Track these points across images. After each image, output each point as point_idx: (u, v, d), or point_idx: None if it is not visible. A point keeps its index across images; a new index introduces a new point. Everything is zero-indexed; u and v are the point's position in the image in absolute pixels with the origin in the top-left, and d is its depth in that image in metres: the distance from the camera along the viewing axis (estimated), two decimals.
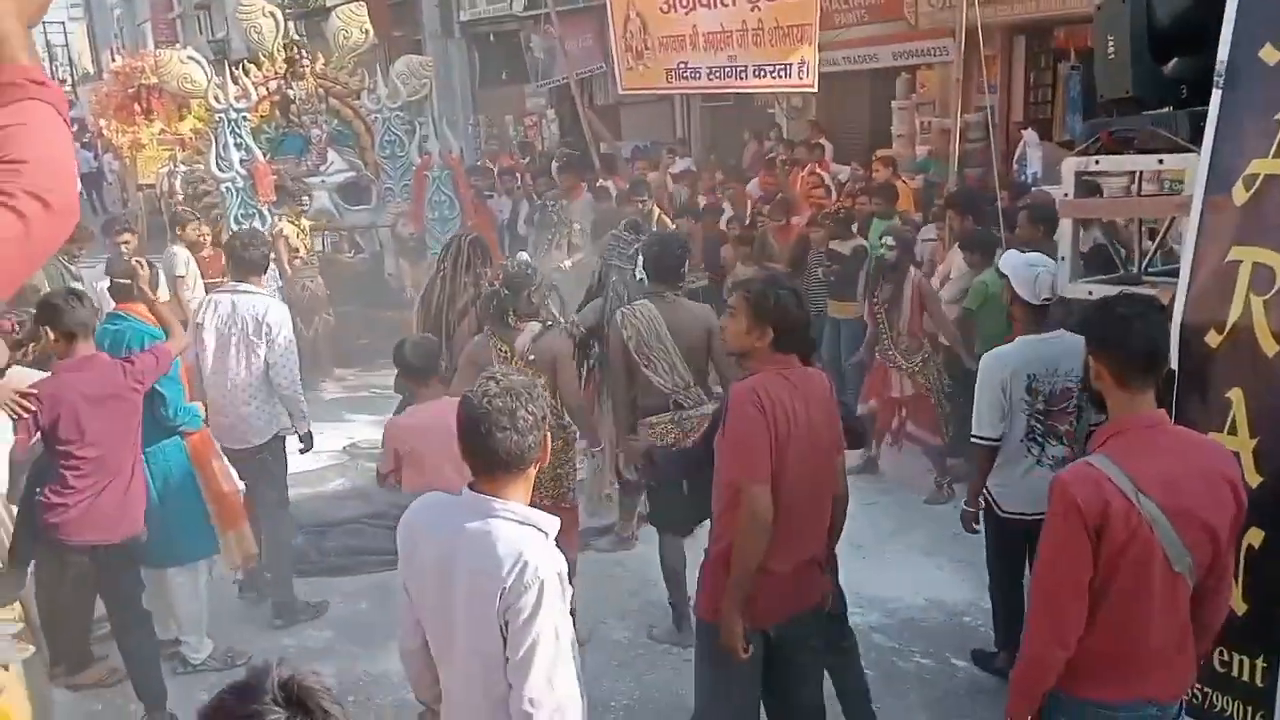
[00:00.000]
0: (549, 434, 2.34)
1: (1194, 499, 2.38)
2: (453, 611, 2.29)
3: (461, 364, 4.74)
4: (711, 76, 9.52)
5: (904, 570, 5.41)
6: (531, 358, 4.59)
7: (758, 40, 8.82)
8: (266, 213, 9.28)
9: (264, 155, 9.47)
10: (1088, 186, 3.86)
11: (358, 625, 4.52)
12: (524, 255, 5.17)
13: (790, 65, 8.61)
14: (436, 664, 2.43)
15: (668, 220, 9.13)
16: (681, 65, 9.75)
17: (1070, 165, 3.55)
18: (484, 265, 5.76)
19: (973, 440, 4.11)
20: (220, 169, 9.26)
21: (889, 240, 6.29)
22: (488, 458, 2.25)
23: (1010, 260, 4.07)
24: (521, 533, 2.24)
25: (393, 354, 4.48)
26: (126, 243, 7.18)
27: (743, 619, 3.05)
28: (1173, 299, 3.18)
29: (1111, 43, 3.31)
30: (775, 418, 2.97)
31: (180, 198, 11.50)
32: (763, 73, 8.93)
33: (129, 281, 4.62)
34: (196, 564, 4.77)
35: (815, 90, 9.13)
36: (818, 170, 10.12)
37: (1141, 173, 3.65)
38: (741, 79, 9.19)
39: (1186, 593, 2.45)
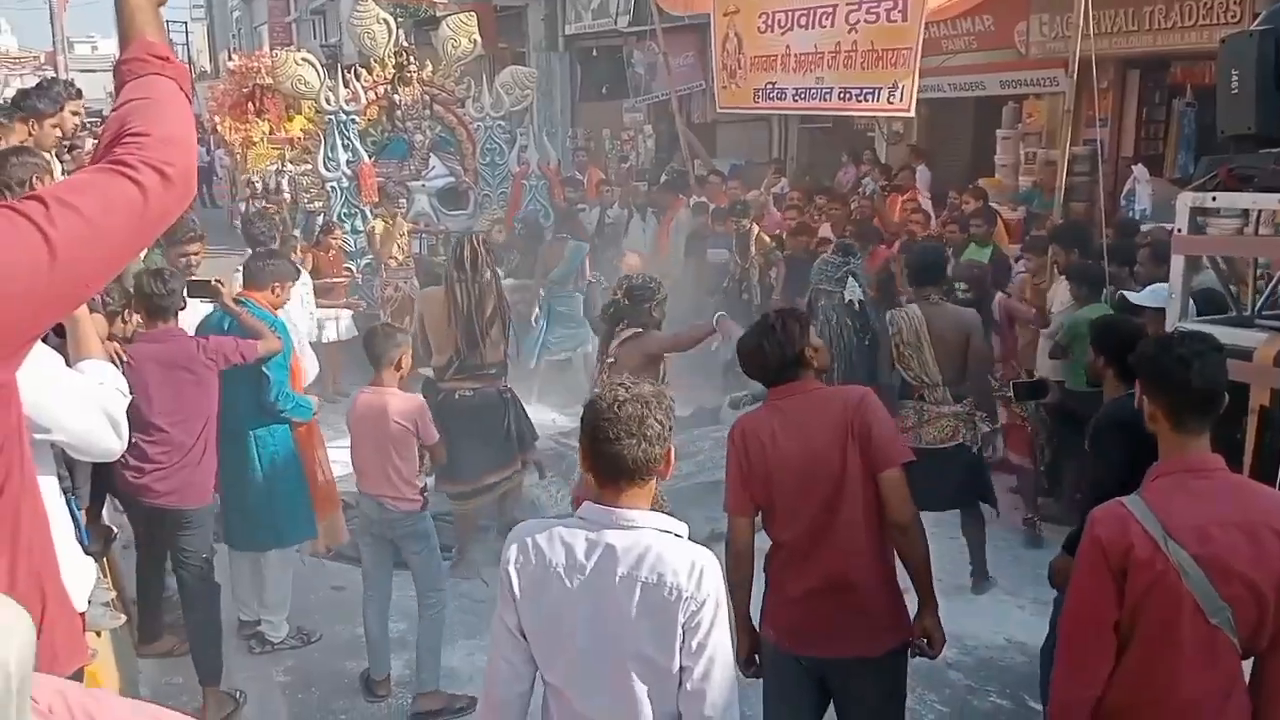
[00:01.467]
0: (673, 447, 2.29)
1: (1232, 550, 2.27)
2: (611, 634, 2.18)
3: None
4: (797, 98, 9.45)
5: (985, 608, 5.29)
6: (611, 360, 4.68)
7: (849, 63, 8.70)
8: (368, 213, 9.55)
9: (369, 158, 9.74)
10: (1198, 225, 3.75)
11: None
12: (643, 272, 5.33)
13: (881, 89, 8.46)
14: (567, 698, 2.27)
15: (766, 239, 9.11)
16: (769, 85, 9.71)
17: (1186, 200, 3.44)
18: (495, 264, 6.00)
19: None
20: (327, 169, 9.56)
21: (962, 286, 6.22)
22: (614, 465, 2.19)
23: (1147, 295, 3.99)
24: (670, 540, 2.21)
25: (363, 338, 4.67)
26: (195, 253, 5.86)
27: (771, 638, 3.17)
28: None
29: (1236, 77, 3.20)
30: (748, 449, 3.07)
31: (287, 197, 11.86)
32: (849, 96, 8.80)
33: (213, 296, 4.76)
34: (293, 547, 5.01)
35: (912, 115, 9.00)
36: (916, 197, 9.98)
37: (1260, 213, 3.53)
38: (826, 100, 9.10)
39: (1229, 648, 2.33)
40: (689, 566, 2.14)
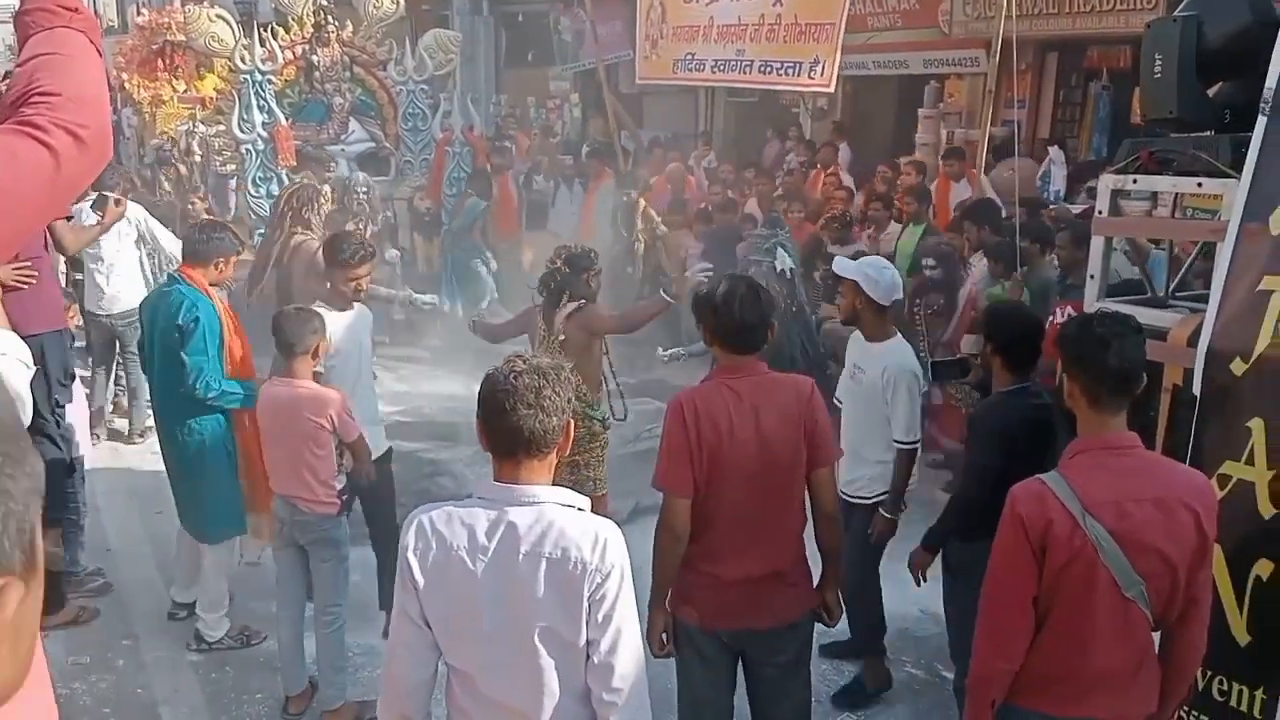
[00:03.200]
0: (573, 421, 2.25)
1: (1147, 526, 2.35)
2: (520, 611, 2.14)
3: (512, 332, 5.00)
4: (716, 69, 9.28)
5: (899, 581, 5.38)
6: (562, 338, 4.62)
7: (771, 36, 8.56)
8: (284, 176, 9.26)
9: (285, 120, 9.43)
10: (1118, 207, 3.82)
11: (352, 598, 4.48)
12: (582, 245, 5.14)
13: (803, 64, 8.38)
14: (473, 681, 2.22)
15: (654, 215, 9.06)
16: (689, 56, 9.56)
17: (1107, 182, 3.51)
18: (314, 214, 6.05)
19: (904, 448, 4.05)
20: (242, 130, 9.23)
21: (929, 261, 6.29)
22: (511, 438, 2.14)
23: (851, 264, 4.13)
24: (571, 514, 2.17)
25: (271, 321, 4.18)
26: (364, 275, 5.20)
27: (692, 618, 3.13)
28: (1197, 327, 3.15)
29: (1159, 62, 3.26)
30: (701, 431, 2.97)
31: (197, 158, 11.46)
32: (770, 69, 8.61)
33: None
34: (229, 543, 4.70)
35: (831, 91, 9.01)
36: (838, 173, 10.07)
37: (1176, 195, 3.62)
38: (746, 74, 8.97)
39: (1142, 620, 2.42)
40: (593, 539, 2.12)
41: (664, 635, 3.16)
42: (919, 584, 3.88)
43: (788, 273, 5.73)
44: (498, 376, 2.17)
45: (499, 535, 2.13)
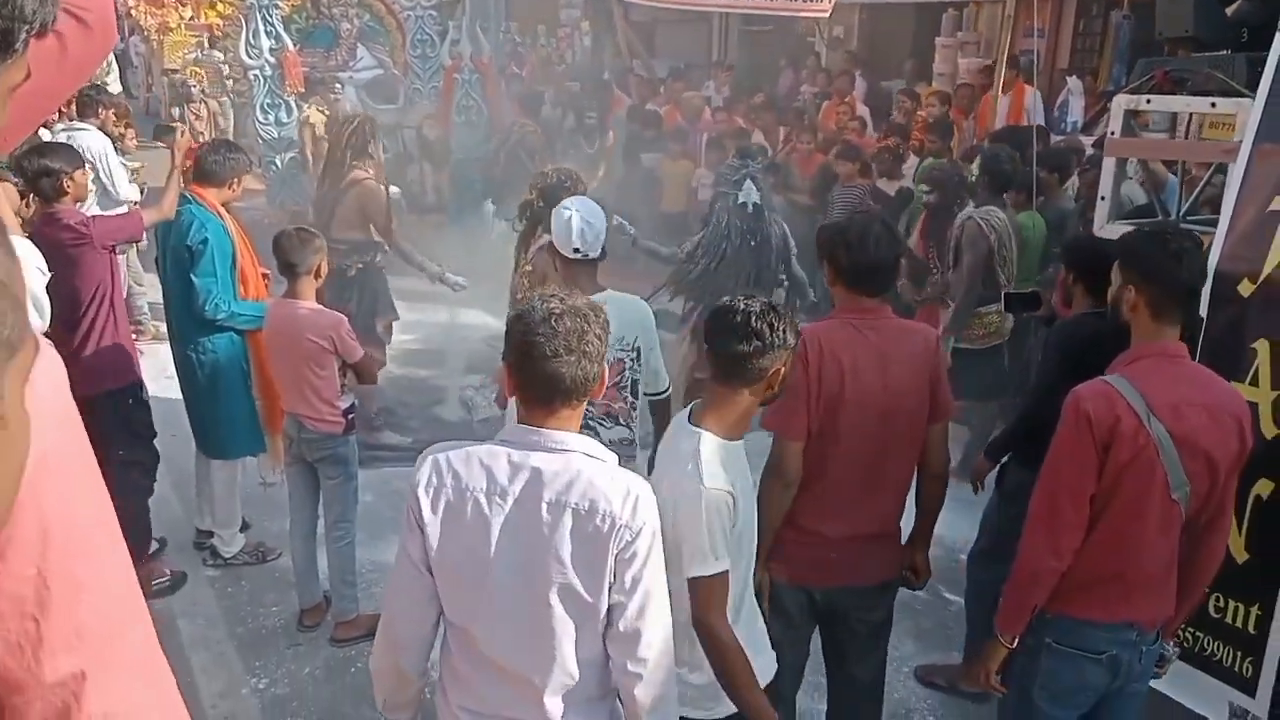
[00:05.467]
0: (606, 365, 2.08)
1: (1201, 429, 2.41)
2: (536, 564, 1.96)
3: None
4: None
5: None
6: (529, 268, 4.46)
7: None
8: (293, 103, 9.20)
9: (293, 46, 9.35)
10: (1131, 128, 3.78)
11: (364, 517, 4.58)
12: (568, 166, 4.96)
13: None
14: (474, 636, 2.06)
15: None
16: None
17: (1120, 102, 3.46)
18: (375, 144, 6.10)
19: None
20: (249, 56, 9.16)
21: (924, 187, 6.23)
22: (549, 385, 1.96)
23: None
24: (601, 466, 2.00)
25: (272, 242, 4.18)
26: None
27: (783, 574, 2.95)
28: (1206, 248, 3.14)
29: None
30: (824, 372, 2.76)
31: (206, 86, 11.37)
32: None
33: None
34: (237, 461, 4.78)
35: (828, 15, 8.84)
36: (853, 104, 9.94)
37: (1190, 117, 3.57)
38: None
39: (1179, 522, 2.49)
40: (624, 493, 1.94)
41: (760, 593, 2.89)
42: (975, 492, 3.88)
43: (750, 206, 5.55)
44: (533, 318, 1.97)
45: (522, 480, 1.97)
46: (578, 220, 3.40)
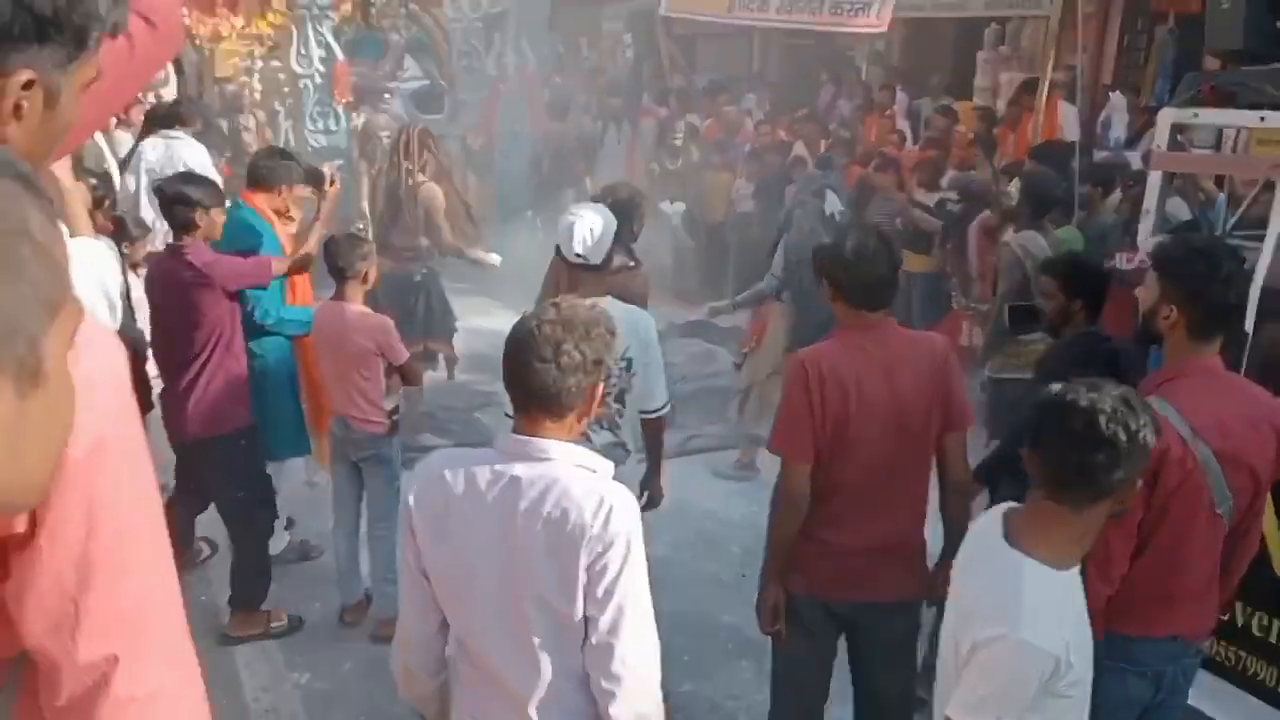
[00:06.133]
0: (601, 384, 2.06)
1: (1243, 443, 2.41)
2: (518, 573, 1.96)
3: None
4: (781, 9, 9.17)
5: None
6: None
7: None
8: (341, 112, 9.37)
9: (343, 56, 9.52)
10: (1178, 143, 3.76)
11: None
12: (633, 185, 4.97)
13: (871, 4, 8.33)
14: (470, 643, 2.08)
15: None
16: None
17: (1167, 116, 3.45)
18: (431, 154, 6.32)
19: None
20: (299, 65, 9.35)
21: (951, 195, 6.24)
22: (522, 389, 1.99)
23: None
24: (585, 476, 1.98)
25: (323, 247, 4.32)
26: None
27: (801, 587, 2.95)
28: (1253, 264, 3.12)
29: None
30: (825, 394, 2.75)
31: (258, 95, 11.55)
32: (840, 9, 8.58)
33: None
34: (284, 461, 4.82)
35: (885, 31, 8.86)
36: (894, 117, 9.93)
37: (1238, 131, 3.56)
38: (816, 14, 8.84)
39: (1223, 534, 2.49)
40: (596, 503, 1.91)
41: (774, 610, 2.97)
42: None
43: (835, 215, 5.66)
44: (522, 323, 2.02)
45: (499, 487, 1.97)
46: (581, 226, 3.39)
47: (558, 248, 3.52)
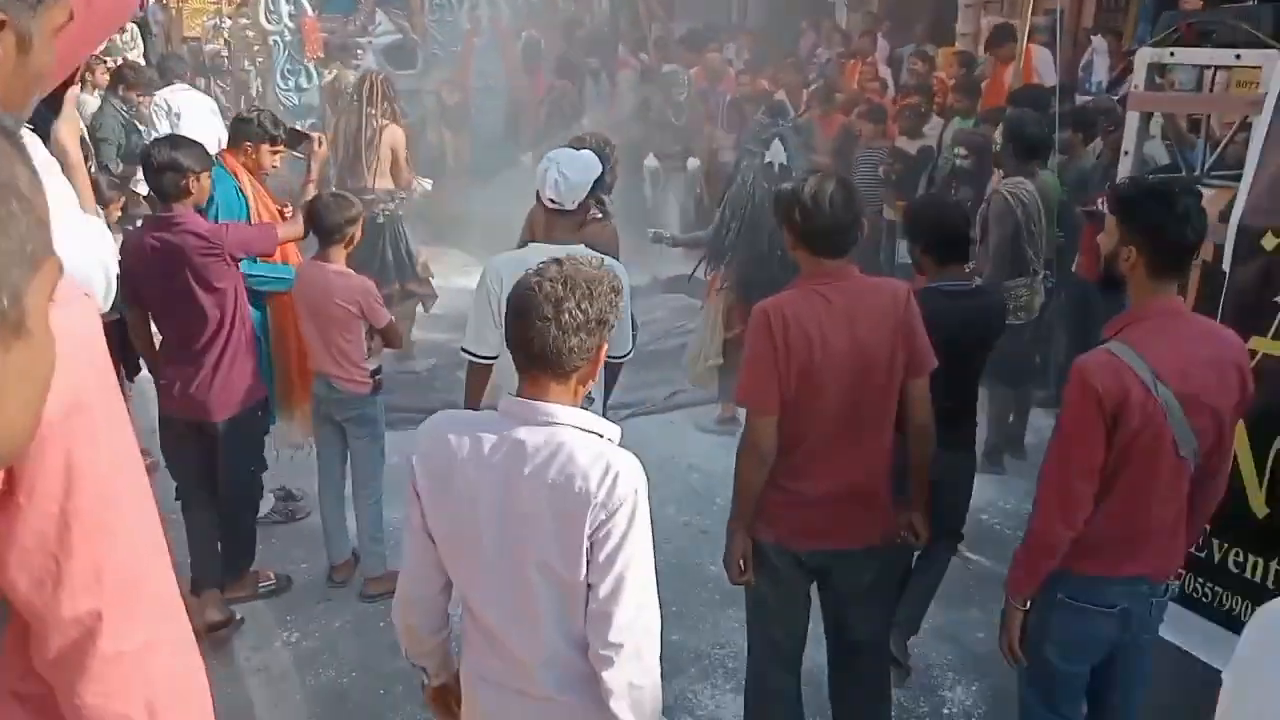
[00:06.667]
0: (605, 344, 2.01)
1: (1205, 385, 2.41)
2: (519, 537, 1.96)
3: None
4: None
5: None
6: None
7: None
8: (313, 69, 9.22)
9: (312, 11, 9.34)
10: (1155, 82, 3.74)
11: (390, 477, 4.65)
12: (604, 134, 4.90)
13: None
14: (472, 604, 2.08)
15: None
16: None
17: (1144, 56, 3.43)
18: (394, 101, 6.55)
19: (462, 352, 3.59)
20: (269, 22, 9.19)
21: (961, 151, 6.14)
22: (525, 349, 1.95)
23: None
24: (590, 440, 1.95)
25: (304, 207, 4.25)
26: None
27: (769, 536, 2.95)
28: (1230, 200, 3.12)
29: None
30: (790, 343, 2.73)
31: (225, 51, 11.38)
32: None
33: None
34: None
35: None
36: (875, 64, 9.85)
37: (1215, 71, 3.54)
38: None
39: (1188, 476, 2.50)
40: (602, 469, 1.88)
41: (742, 561, 2.97)
42: None
43: (776, 167, 5.49)
44: (524, 280, 1.97)
45: (504, 450, 1.95)
46: (554, 171, 3.43)
47: (538, 193, 3.54)
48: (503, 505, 1.95)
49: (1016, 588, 2.67)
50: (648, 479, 1.97)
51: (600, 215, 4.49)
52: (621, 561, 1.89)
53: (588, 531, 1.89)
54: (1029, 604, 2.66)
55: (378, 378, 4.26)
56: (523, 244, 4.67)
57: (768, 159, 5.46)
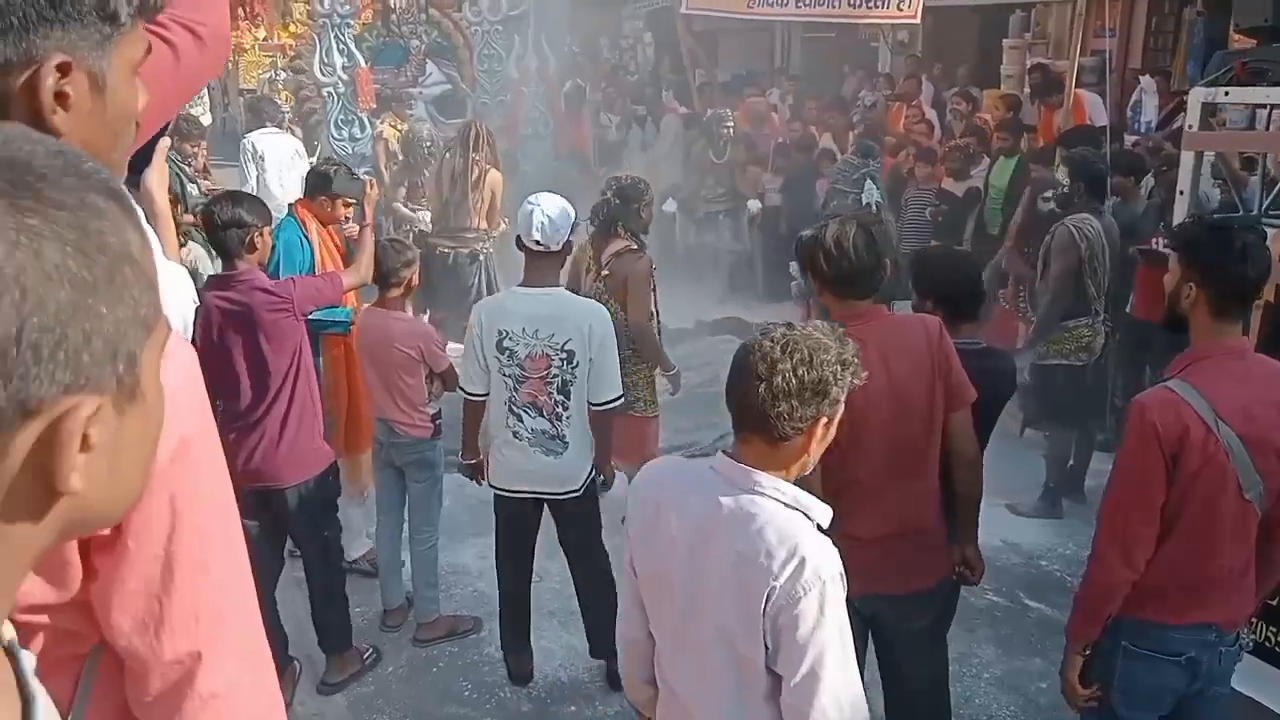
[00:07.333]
0: (823, 419, 1.94)
1: (1270, 426, 2.36)
2: (698, 600, 1.96)
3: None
4: (801, 4, 9.12)
5: (984, 511, 5.39)
6: (606, 273, 4.64)
7: None
8: (365, 120, 9.44)
9: (365, 63, 9.59)
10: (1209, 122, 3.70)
11: (443, 520, 4.67)
12: (640, 176, 5.04)
13: None
14: (660, 655, 2.10)
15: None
16: None
17: (1198, 96, 3.40)
18: (494, 148, 6.93)
19: (459, 390, 3.83)
20: (323, 74, 9.42)
21: (1047, 194, 5.98)
22: (739, 412, 1.93)
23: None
24: (790, 518, 1.90)
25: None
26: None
27: None
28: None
29: None
30: None
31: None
32: (859, 2, 8.56)
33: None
34: None
35: (918, 23, 8.82)
36: (921, 106, 9.87)
37: (1270, 109, 3.50)
38: (835, 7, 8.79)
39: (1255, 520, 2.44)
40: (789, 550, 1.83)
41: None
42: None
43: (874, 206, 5.58)
44: (746, 343, 1.96)
45: (703, 508, 1.95)
46: (539, 214, 3.50)
47: (518, 237, 3.63)
48: (693, 562, 1.96)
49: (1076, 632, 2.62)
50: None
51: (634, 247, 4.64)
52: (812, 655, 1.83)
53: (765, 608, 1.85)
54: (1091, 650, 2.60)
55: (438, 422, 4.29)
56: (568, 287, 4.77)
57: (864, 200, 5.50)
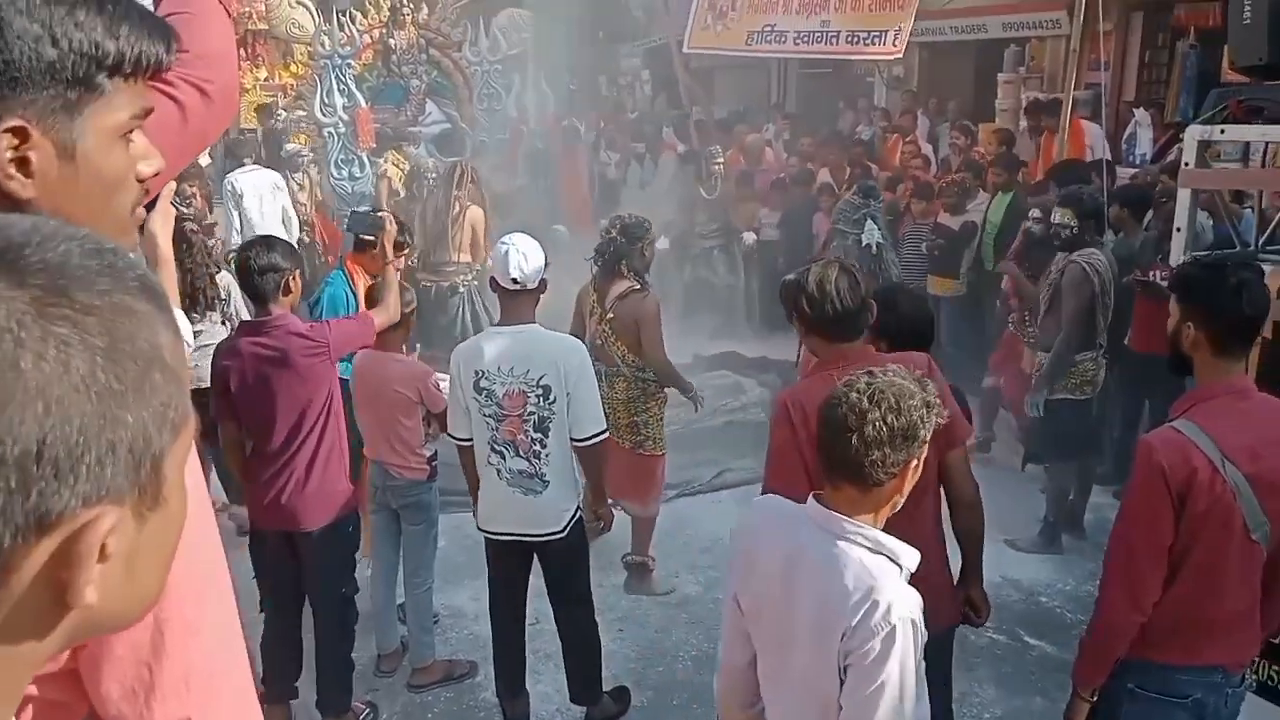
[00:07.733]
0: (913, 463, 1.98)
1: (1277, 467, 2.34)
2: (792, 634, 2.04)
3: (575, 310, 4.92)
4: (799, 41, 9.25)
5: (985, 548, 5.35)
6: (611, 315, 4.65)
7: (856, 5, 8.62)
8: (365, 159, 9.49)
9: (365, 103, 9.66)
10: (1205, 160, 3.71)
11: (438, 562, 4.63)
12: (640, 215, 5.03)
13: (886, 32, 8.40)
14: (764, 685, 2.18)
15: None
16: (767, 28, 9.51)
17: (1194, 133, 3.41)
18: (479, 186, 7.24)
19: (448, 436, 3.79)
20: (324, 114, 9.49)
21: (1036, 214, 5.96)
22: (828, 459, 1.99)
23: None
24: (874, 562, 1.95)
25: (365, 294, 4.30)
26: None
27: None
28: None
29: (1248, 7, 3.17)
30: (812, 432, 2.63)
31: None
32: (856, 39, 8.68)
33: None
34: None
35: (900, 57, 8.92)
36: (917, 141, 9.93)
37: (1266, 146, 3.51)
38: (833, 44, 8.92)
39: (1261, 561, 2.41)
40: (865, 593, 1.89)
41: None
42: None
43: (874, 247, 5.54)
44: (835, 390, 2.00)
45: (795, 550, 2.04)
46: (515, 254, 3.51)
47: (492, 278, 3.63)
48: (786, 602, 2.05)
49: (1084, 678, 2.58)
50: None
51: (639, 287, 4.67)
52: (868, 692, 1.88)
53: (839, 647, 1.91)
54: (1096, 694, 2.57)
55: (434, 464, 4.26)
56: (574, 328, 4.76)
57: (865, 241, 5.48)
